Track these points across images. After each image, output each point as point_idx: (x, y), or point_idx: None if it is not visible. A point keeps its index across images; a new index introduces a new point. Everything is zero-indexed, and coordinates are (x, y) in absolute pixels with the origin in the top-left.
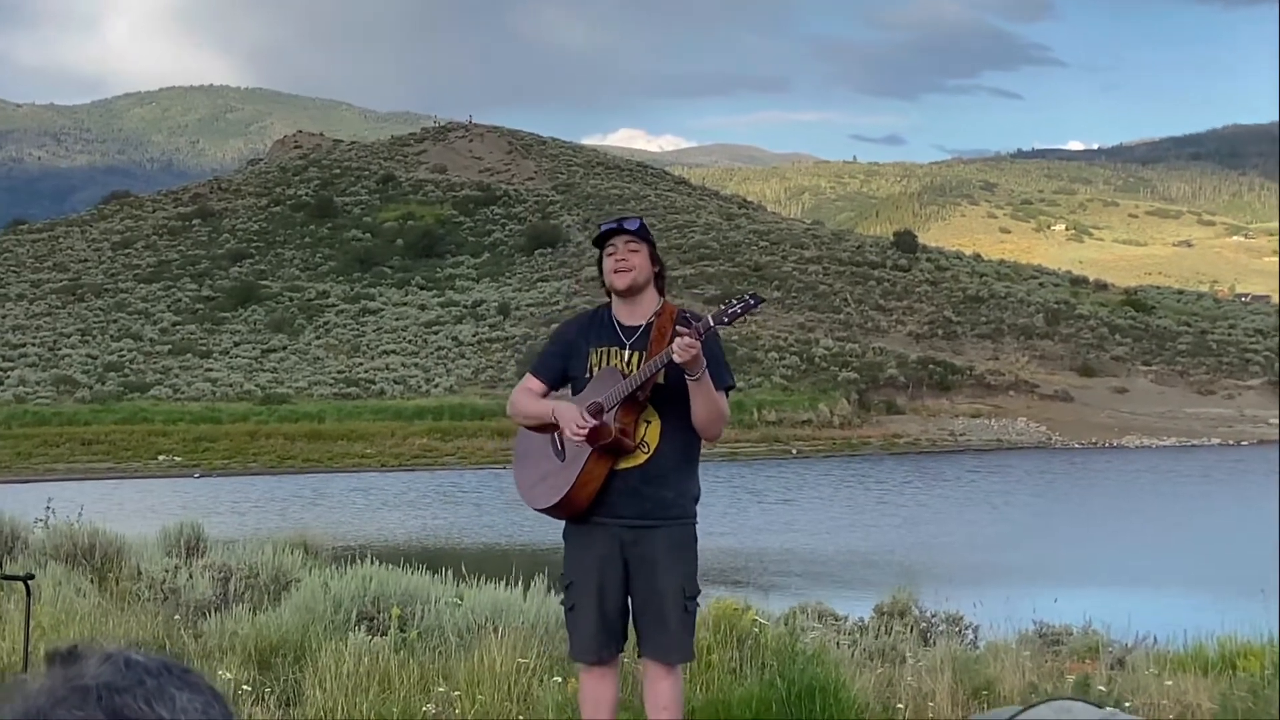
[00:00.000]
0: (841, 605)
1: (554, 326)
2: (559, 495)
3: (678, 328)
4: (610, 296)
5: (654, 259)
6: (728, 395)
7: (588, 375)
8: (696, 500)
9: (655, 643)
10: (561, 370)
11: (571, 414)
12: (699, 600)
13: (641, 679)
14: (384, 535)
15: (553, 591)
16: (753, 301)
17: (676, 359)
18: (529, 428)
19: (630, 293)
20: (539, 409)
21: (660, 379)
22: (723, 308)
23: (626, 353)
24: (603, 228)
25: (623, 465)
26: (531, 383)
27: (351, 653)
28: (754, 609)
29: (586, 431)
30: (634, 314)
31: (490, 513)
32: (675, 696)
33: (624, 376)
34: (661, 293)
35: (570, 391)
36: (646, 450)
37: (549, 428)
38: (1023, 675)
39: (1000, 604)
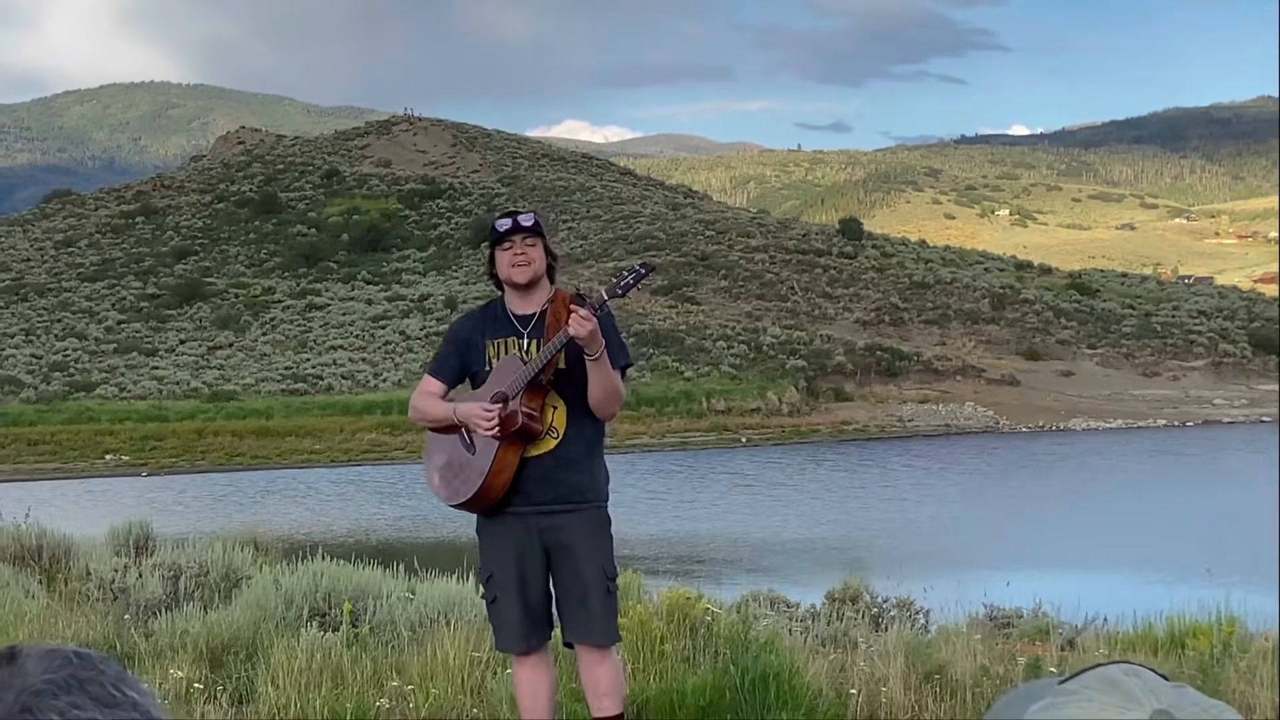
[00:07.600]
0: (793, 592)
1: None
2: (474, 488)
3: (571, 304)
4: (502, 290)
5: (548, 251)
6: (624, 376)
7: (487, 368)
8: (607, 482)
9: (580, 627)
10: (458, 368)
11: (474, 410)
12: (618, 581)
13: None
14: (335, 531)
15: None
16: (643, 271)
17: (572, 333)
18: (435, 429)
19: (530, 286)
20: (440, 411)
21: (562, 363)
22: (614, 280)
23: (524, 341)
24: (499, 227)
25: (533, 452)
26: (430, 384)
27: (304, 649)
28: (706, 598)
29: (495, 420)
30: (527, 304)
31: (441, 506)
32: (614, 681)
33: (524, 363)
34: (553, 282)
35: (470, 387)
36: (555, 435)
37: (454, 428)
38: (974, 658)
39: (951, 588)
